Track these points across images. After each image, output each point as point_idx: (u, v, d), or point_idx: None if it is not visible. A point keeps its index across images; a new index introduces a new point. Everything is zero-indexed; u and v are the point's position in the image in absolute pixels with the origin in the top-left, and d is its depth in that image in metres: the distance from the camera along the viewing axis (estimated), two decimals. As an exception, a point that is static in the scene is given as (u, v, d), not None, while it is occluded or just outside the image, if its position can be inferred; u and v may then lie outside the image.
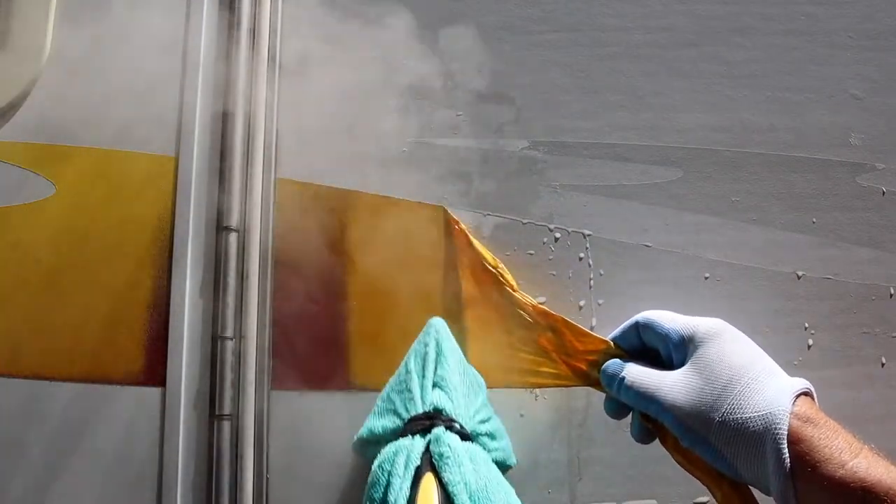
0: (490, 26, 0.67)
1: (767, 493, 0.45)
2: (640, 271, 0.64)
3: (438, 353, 0.56)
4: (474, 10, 0.67)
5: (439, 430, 0.52)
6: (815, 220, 0.66)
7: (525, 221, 0.65)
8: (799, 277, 0.65)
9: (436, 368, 0.55)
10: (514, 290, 0.60)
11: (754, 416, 0.44)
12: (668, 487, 0.61)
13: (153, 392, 0.61)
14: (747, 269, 0.65)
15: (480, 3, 0.67)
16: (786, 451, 0.43)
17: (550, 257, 0.64)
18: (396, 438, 0.53)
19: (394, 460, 0.51)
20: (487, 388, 0.59)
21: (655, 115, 0.66)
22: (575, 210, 0.65)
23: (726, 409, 0.45)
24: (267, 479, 0.60)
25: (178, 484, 0.59)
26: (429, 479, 0.50)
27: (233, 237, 0.61)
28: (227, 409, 0.59)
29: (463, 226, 0.63)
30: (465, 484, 0.49)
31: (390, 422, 0.55)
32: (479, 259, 0.62)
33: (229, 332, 0.60)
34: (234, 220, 0.61)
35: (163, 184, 0.63)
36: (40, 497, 0.59)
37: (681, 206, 0.65)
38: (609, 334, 0.54)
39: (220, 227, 0.62)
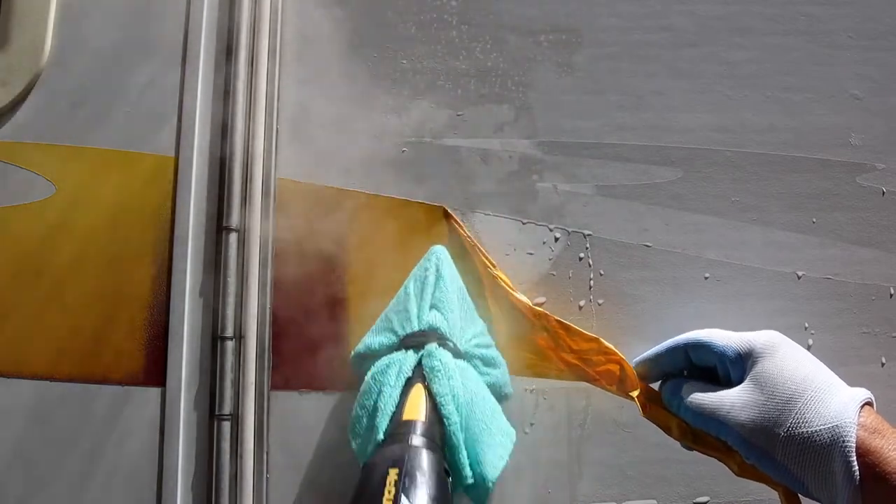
0: (490, 26, 0.67)
1: None
2: (640, 271, 0.64)
3: (438, 278, 0.57)
4: (474, 11, 0.67)
5: (432, 346, 0.53)
6: (815, 220, 0.66)
7: (525, 221, 0.65)
8: (799, 277, 0.65)
9: (434, 291, 0.57)
10: (511, 290, 0.60)
11: (821, 430, 0.44)
12: (668, 487, 0.61)
13: (153, 392, 0.61)
14: (747, 269, 0.65)
15: (480, 3, 0.67)
16: (855, 463, 0.42)
17: (550, 257, 0.64)
18: (391, 353, 0.55)
19: (386, 371, 0.53)
20: None
21: (655, 115, 0.66)
22: (575, 210, 0.65)
23: (791, 423, 0.45)
24: (267, 479, 0.60)
25: (178, 484, 0.59)
26: (418, 389, 0.51)
27: (233, 237, 0.61)
28: (227, 409, 0.59)
29: (463, 228, 0.63)
30: (453, 396, 0.51)
31: (386, 338, 0.56)
32: (477, 260, 0.62)
33: (229, 332, 0.60)
34: (234, 220, 0.61)
35: (163, 184, 0.63)
36: (40, 497, 0.59)
37: (681, 206, 0.65)
38: (637, 356, 0.53)
39: (220, 227, 0.62)
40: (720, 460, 0.49)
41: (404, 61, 0.66)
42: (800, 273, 0.65)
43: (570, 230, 0.64)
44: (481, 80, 0.66)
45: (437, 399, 0.51)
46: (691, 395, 0.50)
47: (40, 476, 0.59)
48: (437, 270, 0.58)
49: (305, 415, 0.61)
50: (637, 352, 0.63)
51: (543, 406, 0.62)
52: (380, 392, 0.52)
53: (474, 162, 0.65)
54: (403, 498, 0.42)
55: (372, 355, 0.56)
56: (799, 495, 0.47)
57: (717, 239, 0.65)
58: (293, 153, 0.64)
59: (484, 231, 0.64)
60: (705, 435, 0.49)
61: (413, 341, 0.54)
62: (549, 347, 0.58)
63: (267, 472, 0.60)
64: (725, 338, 0.51)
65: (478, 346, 0.57)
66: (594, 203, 0.65)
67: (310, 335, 0.62)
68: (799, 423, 0.45)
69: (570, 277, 0.64)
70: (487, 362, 0.57)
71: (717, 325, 0.63)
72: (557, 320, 0.57)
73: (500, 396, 0.58)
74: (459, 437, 0.50)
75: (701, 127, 0.66)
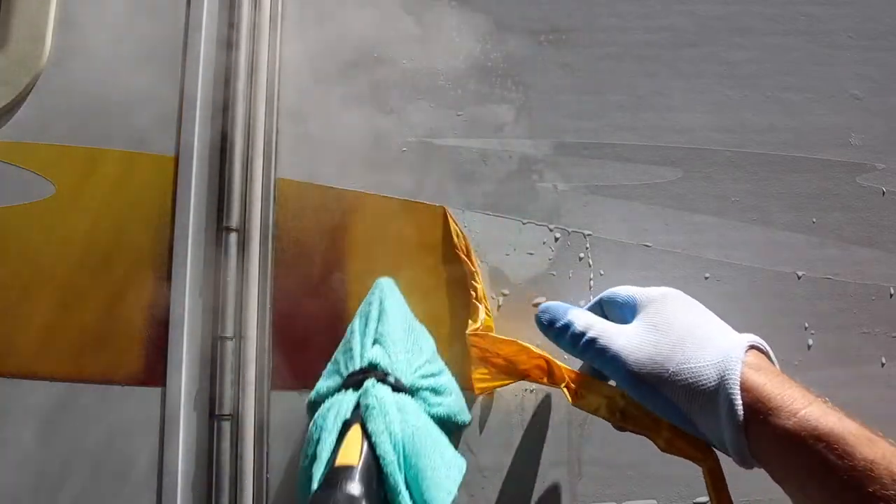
0: (490, 26, 0.67)
1: (724, 448, 0.45)
2: (640, 271, 0.64)
3: (381, 311, 0.56)
4: (474, 11, 0.67)
5: (369, 383, 0.51)
6: (815, 220, 0.66)
7: (525, 221, 0.65)
8: (799, 277, 0.65)
9: (377, 326, 0.56)
10: (478, 302, 0.61)
11: (707, 365, 0.45)
12: (668, 487, 0.61)
13: (153, 392, 0.61)
14: (747, 269, 0.65)
15: (480, 3, 0.67)
16: (738, 397, 0.43)
17: (550, 257, 0.64)
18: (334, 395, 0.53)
19: (326, 415, 0.51)
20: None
21: (655, 115, 0.66)
22: (575, 210, 0.65)
23: (679, 359, 0.45)
24: (267, 479, 0.60)
25: (178, 484, 0.59)
26: (355, 431, 0.49)
27: (233, 237, 0.61)
28: (227, 409, 0.59)
29: (460, 235, 0.63)
30: (390, 433, 0.49)
31: (333, 381, 0.55)
32: (465, 267, 0.62)
33: (229, 332, 0.60)
34: (234, 220, 0.61)
35: (163, 184, 0.63)
36: (40, 497, 0.59)
37: (681, 206, 0.65)
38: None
39: (220, 227, 0.62)
40: (647, 437, 0.50)
41: (404, 61, 0.66)
42: (800, 273, 0.65)
43: (570, 230, 0.64)
44: (481, 80, 0.66)
45: (372, 438, 0.48)
46: (584, 322, 0.50)
47: (40, 476, 0.59)
48: (381, 303, 0.57)
49: (305, 415, 0.61)
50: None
51: (544, 406, 0.62)
52: (318, 439, 0.50)
53: (474, 162, 0.65)
54: None
55: (321, 400, 0.54)
56: (724, 477, 0.48)
57: (717, 239, 0.65)
58: (293, 153, 0.64)
59: (484, 231, 0.64)
60: (634, 411, 0.50)
61: (354, 380, 0.53)
62: (480, 358, 0.58)
63: (267, 472, 0.60)
64: (629, 289, 0.53)
65: (424, 375, 0.55)
66: (594, 203, 0.65)
67: (310, 335, 0.62)
68: (687, 359, 0.45)
69: (570, 277, 0.64)
70: (438, 391, 0.55)
71: (717, 325, 0.63)
72: (476, 334, 0.58)
73: (455, 425, 0.57)
74: (398, 478, 0.48)
75: (701, 127, 0.66)
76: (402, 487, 0.48)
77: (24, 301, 0.61)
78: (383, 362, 0.53)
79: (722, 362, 0.44)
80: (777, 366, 0.47)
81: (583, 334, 0.50)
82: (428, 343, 0.59)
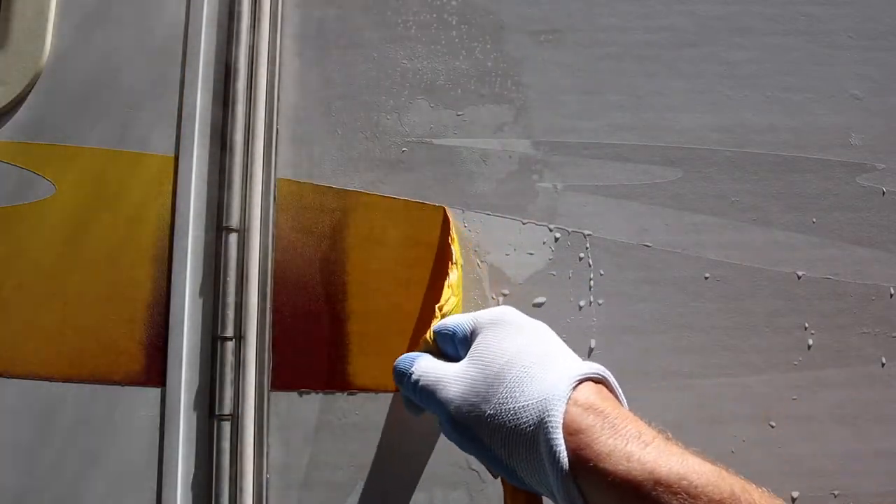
0: (490, 26, 0.67)
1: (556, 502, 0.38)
2: (640, 271, 0.64)
3: None
4: (474, 11, 0.67)
5: None
6: (815, 220, 0.66)
7: (525, 221, 0.65)
8: (799, 277, 0.65)
9: None
10: (449, 287, 0.59)
11: (527, 405, 0.38)
12: (668, 487, 0.61)
13: (153, 392, 0.61)
14: (747, 269, 0.64)
15: (481, 3, 0.67)
16: (560, 443, 0.37)
17: (550, 257, 0.64)
18: None
19: None
20: None
21: (655, 115, 0.66)
22: (575, 210, 0.65)
23: (498, 399, 0.39)
24: (267, 479, 0.60)
25: (178, 484, 0.59)
26: None
27: (233, 237, 0.61)
28: (227, 409, 0.59)
29: (453, 239, 0.62)
30: None
31: None
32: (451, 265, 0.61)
33: (229, 332, 0.60)
34: (234, 220, 0.61)
35: (163, 184, 0.63)
36: (40, 497, 0.59)
37: (681, 206, 0.65)
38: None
39: (220, 227, 0.62)
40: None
41: (404, 61, 0.66)
42: (800, 273, 0.65)
43: (570, 230, 0.64)
44: (481, 80, 0.66)
45: None
46: (420, 369, 0.45)
47: (40, 476, 0.59)
48: None
49: (305, 415, 0.61)
50: (637, 351, 0.63)
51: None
52: None
53: (474, 162, 0.65)
54: None
55: None
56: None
57: (717, 239, 0.65)
58: (293, 153, 0.64)
59: (484, 231, 0.64)
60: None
61: None
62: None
63: (267, 472, 0.60)
64: (457, 319, 0.48)
65: None
66: (594, 203, 0.65)
67: (310, 335, 0.62)
68: (506, 398, 0.39)
69: (570, 277, 0.64)
70: None
71: (716, 325, 0.63)
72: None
73: None
74: None
75: (701, 127, 0.66)
76: None
77: (24, 301, 0.61)
78: None
79: (543, 401, 0.38)
80: (621, 397, 0.42)
81: (417, 382, 0.45)
82: None
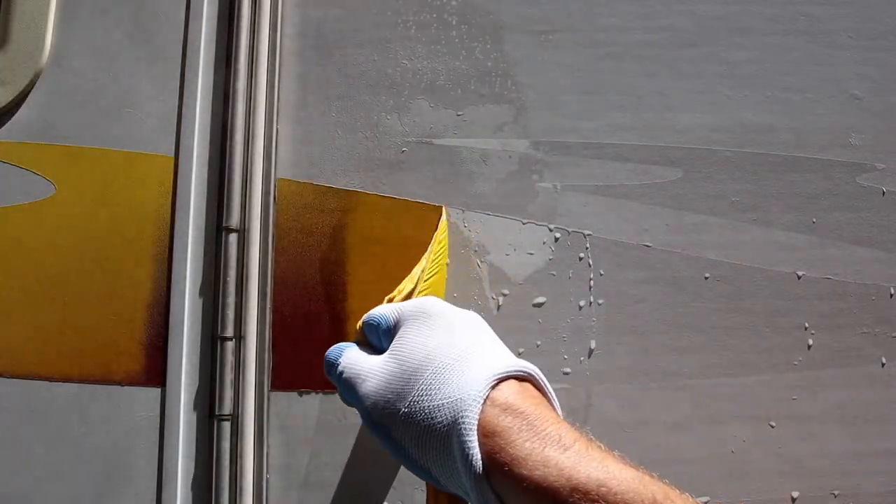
0: (490, 26, 0.67)
1: None
2: (640, 271, 0.64)
3: None
4: (474, 11, 0.67)
5: None
6: (815, 220, 0.66)
7: (525, 221, 0.65)
8: (799, 277, 0.65)
9: None
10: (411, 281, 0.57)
11: (442, 404, 0.36)
12: (668, 487, 0.61)
13: (153, 392, 0.61)
14: (747, 269, 0.64)
15: (481, 3, 0.67)
16: (472, 444, 0.35)
17: (550, 257, 0.64)
18: None
19: None
20: None
21: (655, 115, 0.66)
22: (575, 210, 0.65)
23: (413, 396, 0.38)
24: (267, 479, 0.60)
25: (178, 484, 0.59)
26: None
27: (233, 237, 0.61)
28: (227, 409, 0.59)
29: (443, 234, 0.62)
30: None
31: None
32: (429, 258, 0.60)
33: (229, 332, 0.60)
34: (234, 220, 0.61)
35: (163, 184, 0.63)
36: (40, 497, 0.59)
37: (681, 206, 0.65)
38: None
39: (220, 227, 0.62)
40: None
41: (404, 61, 0.66)
42: (800, 273, 0.65)
43: (570, 230, 0.64)
44: (481, 80, 0.66)
45: None
46: (345, 361, 0.44)
47: (40, 476, 0.59)
48: None
49: (305, 415, 0.61)
50: (637, 351, 0.63)
51: (543, 406, 0.62)
52: None
53: (474, 162, 0.65)
54: None
55: None
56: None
57: (717, 239, 0.65)
58: (293, 153, 0.64)
59: (484, 231, 0.64)
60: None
61: None
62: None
63: (267, 472, 0.60)
64: (383, 309, 0.46)
65: None
66: (594, 203, 0.65)
67: (310, 335, 0.62)
68: (422, 396, 0.37)
69: (570, 277, 0.64)
70: None
71: (716, 324, 0.63)
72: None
73: None
74: None
75: (701, 127, 0.66)
76: None
77: (24, 301, 0.61)
78: None
79: (458, 401, 0.36)
80: (552, 396, 0.40)
81: (341, 374, 0.44)
82: None
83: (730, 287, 0.64)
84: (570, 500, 0.33)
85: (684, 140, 0.66)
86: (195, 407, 0.60)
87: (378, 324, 0.45)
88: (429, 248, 0.60)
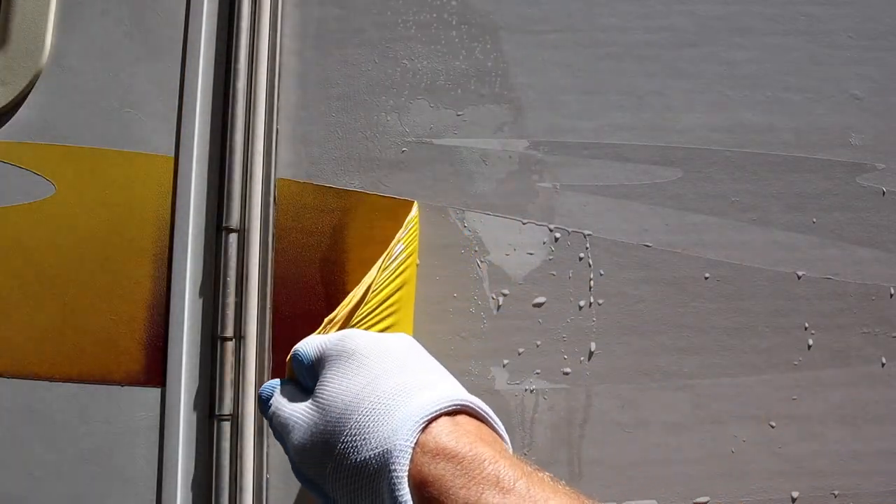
0: (490, 26, 0.67)
1: None
2: (640, 271, 0.64)
3: None
4: (474, 11, 0.67)
5: None
6: (815, 220, 0.66)
7: (525, 221, 0.65)
8: (799, 277, 0.65)
9: None
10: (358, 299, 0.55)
11: (369, 458, 0.33)
12: (668, 487, 0.61)
13: (153, 392, 0.61)
14: (747, 269, 0.65)
15: (480, 3, 0.67)
16: (405, 499, 0.32)
17: (550, 257, 0.64)
18: None
19: None
20: None
21: (655, 115, 0.66)
22: (575, 210, 0.65)
23: (339, 451, 0.35)
24: (267, 479, 0.60)
25: (178, 484, 0.59)
26: None
27: (233, 237, 0.61)
28: (227, 409, 0.59)
29: (413, 234, 0.60)
30: None
31: None
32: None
33: (229, 332, 0.60)
34: (234, 220, 0.61)
35: (163, 184, 0.63)
36: (40, 497, 0.59)
37: (681, 206, 0.65)
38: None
39: (220, 227, 0.62)
40: None
41: (404, 61, 0.66)
42: (800, 273, 0.65)
43: (570, 230, 0.64)
44: (481, 80, 0.66)
45: None
46: (276, 405, 0.41)
47: (40, 476, 0.59)
48: None
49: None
50: (637, 351, 0.63)
51: (543, 406, 0.62)
52: None
53: (474, 162, 0.65)
54: None
55: None
56: None
57: (717, 239, 0.65)
58: (293, 153, 0.64)
59: (484, 231, 0.64)
60: None
61: None
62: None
63: (267, 472, 0.60)
64: (308, 344, 0.42)
65: None
66: (594, 203, 0.65)
67: (309, 335, 0.62)
68: (348, 450, 0.34)
69: (570, 277, 0.64)
70: None
71: (716, 325, 0.63)
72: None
73: None
74: None
75: (701, 127, 0.66)
76: None
77: (24, 301, 0.61)
78: None
79: (385, 453, 0.33)
80: (493, 420, 0.37)
81: (271, 418, 0.41)
82: None
83: (730, 287, 0.64)
84: None
85: (684, 140, 0.66)
86: (195, 407, 0.60)
87: (301, 361, 0.42)
88: (385, 254, 0.57)
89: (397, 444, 0.33)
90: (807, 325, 0.64)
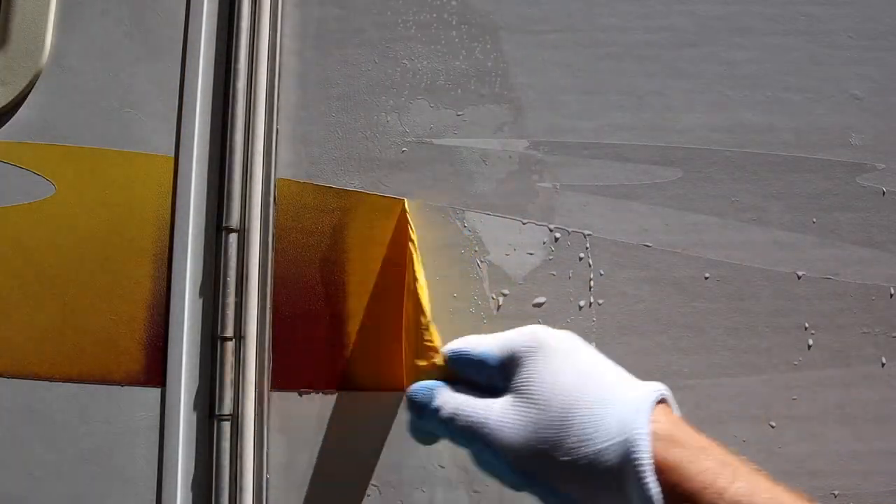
0: (490, 26, 0.67)
1: None
2: (640, 271, 0.64)
3: None
4: (474, 11, 0.67)
5: None
6: (815, 220, 0.66)
7: (525, 221, 0.65)
8: (799, 277, 0.65)
9: None
10: (424, 316, 0.55)
11: (607, 447, 0.35)
12: (668, 487, 0.61)
13: (153, 392, 0.61)
14: (747, 269, 0.65)
15: (480, 3, 0.67)
16: (652, 484, 0.34)
17: (550, 257, 0.64)
18: None
19: None
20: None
21: (655, 115, 0.66)
22: (575, 210, 0.65)
23: (571, 443, 0.36)
24: (267, 479, 0.60)
25: (178, 484, 0.59)
26: None
27: (233, 237, 0.61)
28: (227, 409, 0.59)
29: (413, 234, 0.61)
30: None
31: None
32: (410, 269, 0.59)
33: (229, 332, 0.60)
34: (234, 220, 0.61)
35: (163, 184, 0.63)
36: (40, 497, 0.59)
37: (681, 206, 0.65)
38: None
39: (220, 227, 0.62)
40: None
41: (404, 61, 0.66)
42: (800, 273, 0.65)
43: (570, 230, 0.64)
44: (481, 80, 0.66)
45: None
46: (450, 406, 0.41)
47: (40, 476, 0.59)
48: None
49: (305, 415, 0.61)
50: (637, 351, 0.63)
51: (543, 406, 0.62)
52: None
53: (474, 162, 0.65)
54: None
55: None
56: None
57: (717, 239, 0.65)
58: (293, 153, 0.64)
59: (484, 231, 0.64)
60: None
61: None
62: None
63: (267, 472, 0.60)
64: (481, 343, 0.43)
65: None
66: (594, 203, 0.65)
67: (310, 335, 0.62)
68: (580, 441, 0.36)
69: (570, 277, 0.64)
70: None
71: (716, 325, 0.63)
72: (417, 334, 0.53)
73: None
74: None
75: (701, 127, 0.66)
76: None
77: (24, 301, 0.61)
78: None
79: (625, 441, 0.35)
80: (677, 412, 0.40)
81: (451, 420, 0.41)
82: None
83: (730, 287, 0.64)
84: None
85: (684, 140, 0.66)
86: (195, 407, 0.60)
87: (483, 361, 0.42)
88: (414, 258, 0.57)
89: (637, 432, 0.35)
90: (807, 325, 0.64)
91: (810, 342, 0.64)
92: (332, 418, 0.61)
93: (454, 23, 0.67)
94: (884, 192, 0.66)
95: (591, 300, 0.64)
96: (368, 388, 0.61)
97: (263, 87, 0.64)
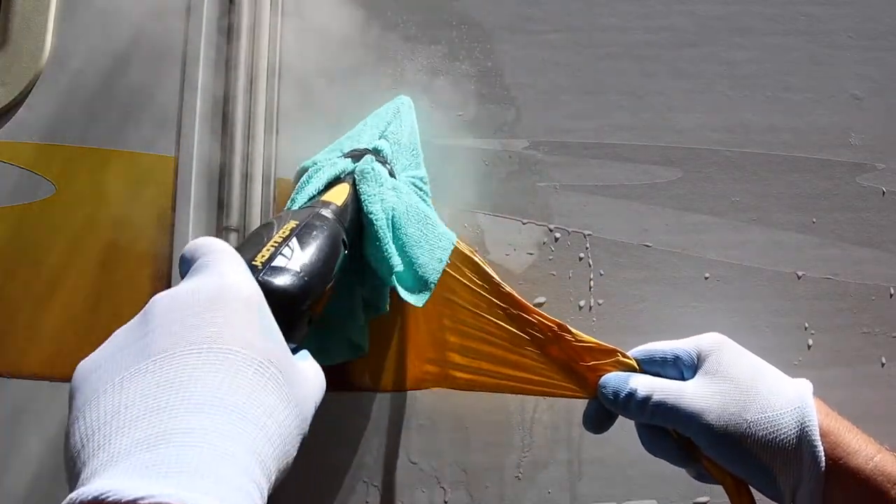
0: (490, 26, 0.67)
1: (791, 501, 0.44)
2: (640, 271, 0.64)
3: (396, 117, 0.60)
4: (474, 11, 0.67)
5: (368, 157, 0.54)
6: (815, 220, 0.66)
7: (525, 221, 0.65)
8: (799, 277, 0.65)
9: (389, 126, 0.59)
10: (527, 305, 0.54)
11: (784, 413, 0.44)
12: (668, 487, 0.61)
13: (153, 392, 0.60)
14: (747, 269, 0.65)
15: (480, 3, 0.67)
16: (819, 445, 0.43)
17: (550, 257, 0.64)
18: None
19: (319, 169, 0.54)
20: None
21: (655, 115, 0.66)
22: (575, 210, 0.65)
23: (756, 407, 0.45)
24: (267, 479, 0.59)
25: (178, 484, 0.59)
26: (343, 186, 0.52)
27: (233, 237, 0.61)
28: (227, 409, 0.59)
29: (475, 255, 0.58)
30: (381, 199, 0.51)
31: (332, 153, 0.58)
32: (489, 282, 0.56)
33: (229, 332, 0.60)
34: (234, 220, 0.61)
35: (163, 184, 0.63)
36: (40, 498, 0.59)
37: (681, 206, 0.65)
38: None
39: (220, 227, 0.62)
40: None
41: (405, 61, 0.66)
42: (800, 273, 0.65)
43: (570, 230, 0.65)
44: (481, 80, 0.66)
45: (363, 197, 0.51)
46: (647, 387, 0.48)
47: (39, 476, 0.59)
48: (398, 111, 0.60)
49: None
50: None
51: (543, 406, 0.62)
52: (306, 182, 0.53)
53: (474, 162, 0.65)
54: (295, 240, 0.42)
55: (314, 166, 0.57)
56: (750, 489, 0.47)
57: (717, 239, 0.65)
58: (293, 153, 0.64)
59: (484, 231, 0.64)
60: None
61: (353, 154, 0.56)
62: (562, 358, 0.53)
63: (267, 472, 0.59)
64: (671, 344, 0.51)
65: (414, 181, 0.58)
66: (594, 203, 0.65)
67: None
68: (763, 407, 0.45)
69: (570, 277, 0.64)
70: (420, 197, 0.58)
71: (717, 325, 0.63)
72: (563, 325, 0.53)
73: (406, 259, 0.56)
74: (387, 236, 0.50)
75: (701, 127, 0.66)
76: (388, 240, 0.50)
77: (25, 301, 0.61)
78: (386, 150, 0.56)
79: (799, 409, 0.44)
80: None
81: (648, 398, 0.48)
82: (424, 170, 0.61)
83: (730, 287, 0.64)
84: (893, 493, 0.41)
85: (684, 140, 0.66)
86: (195, 407, 0.60)
87: (678, 357, 0.50)
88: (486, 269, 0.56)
89: (806, 402, 0.45)
90: (807, 325, 0.64)
91: (810, 342, 0.64)
92: (331, 418, 0.61)
93: (454, 23, 0.67)
94: (884, 192, 0.66)
95: (591, 300, 0.64)
96: (368, 388, 0.61)
97: (263, 87, 0.64)
